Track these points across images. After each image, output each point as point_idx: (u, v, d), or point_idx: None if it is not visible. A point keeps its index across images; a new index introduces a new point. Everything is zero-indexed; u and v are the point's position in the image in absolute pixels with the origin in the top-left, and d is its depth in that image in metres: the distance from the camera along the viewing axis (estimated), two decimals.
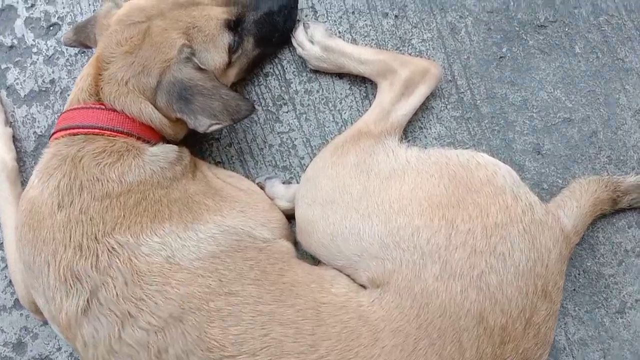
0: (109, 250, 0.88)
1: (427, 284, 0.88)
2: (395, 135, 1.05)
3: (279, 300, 0.89)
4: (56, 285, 0.89)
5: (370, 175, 0.97)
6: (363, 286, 0.97)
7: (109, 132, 0.97)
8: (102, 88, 0.99)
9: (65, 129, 0.99)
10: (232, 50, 1.03)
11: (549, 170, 1.21)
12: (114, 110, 0.98)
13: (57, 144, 0.98)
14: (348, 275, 0.98)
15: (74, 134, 0.97)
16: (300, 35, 1.15)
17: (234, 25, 1.03)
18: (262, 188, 1.16)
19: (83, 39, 1.10)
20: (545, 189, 1.21)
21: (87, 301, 0.87)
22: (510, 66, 1.22)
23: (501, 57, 1.22)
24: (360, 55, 1.12)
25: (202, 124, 0.96)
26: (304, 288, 0.92)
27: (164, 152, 1.01)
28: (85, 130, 0.97)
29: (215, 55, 1.01)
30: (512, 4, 1.23)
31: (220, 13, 1.02)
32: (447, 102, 1.21)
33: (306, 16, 1.22)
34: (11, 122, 1.28)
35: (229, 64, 1.04)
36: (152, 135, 1.02)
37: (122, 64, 0.97)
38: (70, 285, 0.88)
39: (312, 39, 1.14)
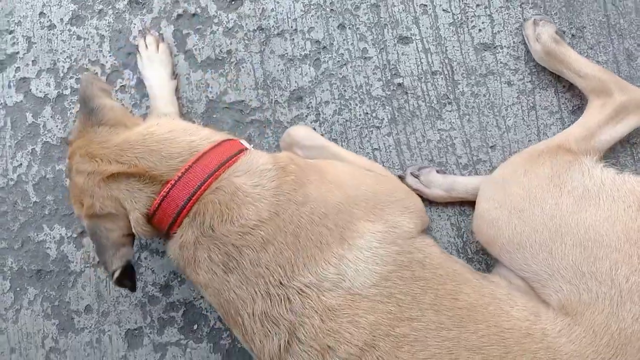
0: (299, 293, 0.90)
1: (626, 324, 0.86)
2: (593, 157, 1.04)
3: (460, 326, 0.89)
4: (254, 331, 0.93)
5: (563, 191, 0.97)
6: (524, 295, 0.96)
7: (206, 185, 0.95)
8: None
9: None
10: None
11: None
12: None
13: (175, 236, 0.97)
14: (524, 282, 0.98)
15: (180, 223, 0.96)
16: (528, 29, 1.19)
17: None
18: (416, 177, 1.20)
19: None
20: None
21: (287, 341, 0.91)
22: None
23: None
24: (580, 68, 1.14)
25: None
26: (482, 312, 0.91)
27: (257, 167, 0.98)
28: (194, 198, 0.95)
29: None
30: None
31: None
32: None
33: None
34: (177, 75, 1.38)
35: None
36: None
37: None
38: (268, 330, 0.91)
39: (538, 38, 1.18)
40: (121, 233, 0.97)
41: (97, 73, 1.44)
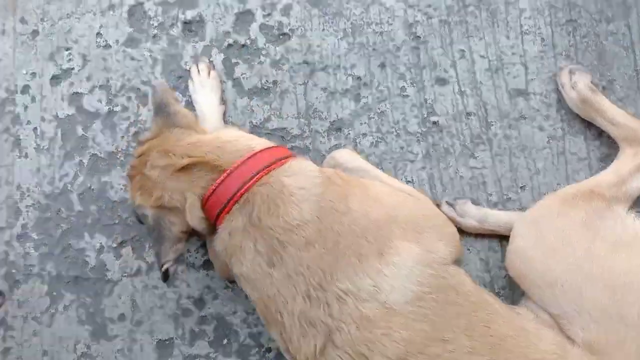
0: (337, 299, 0.95)
1: None
2: (625, 203, 1.10)
3: (492, 353, 0.93)
4: (292, 329, 0.98)
5: (596, 237, 1.02)
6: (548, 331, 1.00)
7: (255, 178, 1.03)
8: None
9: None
10: None
11: None
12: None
13: (225, 221, 1.04)
14: (550, 317, 1.02)
15: (230, 209, 1.03)
16: (564, 78, 1.27)
17: None
18: (451, 206, 1.27)
19: None
20: None
21: (323, 344, 0.96)
22: None
23: None
24: (614, 117, 1.20)
25: None
26: (512, 342, 0.95)
27: (305, 172, 1.06)
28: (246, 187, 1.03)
29: None
30: None
31: None
32: None
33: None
34: (225, 100, 1.46)
35: None
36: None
37: None
38: (306, 330, 0.97)
39: (574, 86, 1.25)
40: (181, 228, 1.06)
41: (148, 94, 1.52)
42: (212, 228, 1.08)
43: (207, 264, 1.38)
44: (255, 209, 1.01)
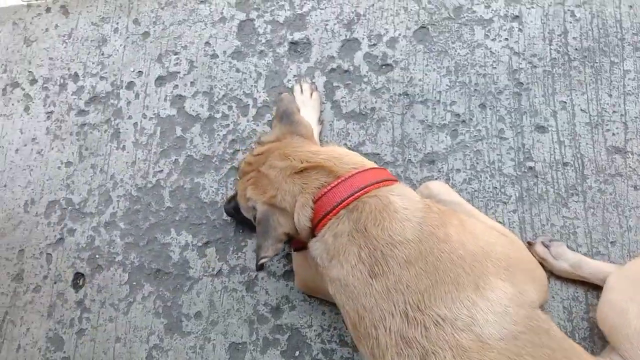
0: (435, 323, 0.96)
1: None
2: None
3: None
4: (387, 346, 0.99)
5: None
6: None
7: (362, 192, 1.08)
8: None
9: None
10: None
11: None
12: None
13: (330, 224, 1.08)
14: None
15: (336, 213, 1.08)
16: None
17: None
18: (546, 247, 1.28)
19: None
20: None
21: None
22: None
23: None
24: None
25: None
26: None
27: (409, 195, 1.10)
28: (356, 195, 1.08)
29: None
30: None
31: None
32: None
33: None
34: (322, 120, 1.51)
35: None
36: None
37: None
38: (402, 349, 0.98)
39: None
40: (285, 230, 1.11)
41: (249, 105, 1.59)
42: (311, 233, 1.12)
43: (288, 275, 1.41)
44: (363, 217, 1.05)
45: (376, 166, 1.16)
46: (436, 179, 1.43)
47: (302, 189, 1.11)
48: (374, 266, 1.01)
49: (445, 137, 1.45)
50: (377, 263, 1.01)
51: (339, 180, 1.09)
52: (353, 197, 1.07)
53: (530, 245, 1.29)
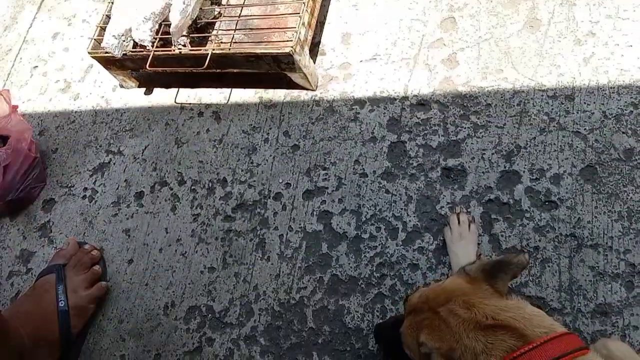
0: None
1: None
2: None
3: None
4: None
5: None
6: None
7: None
8: None
9: None
10: None
11: None
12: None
13: None
14: None
15: None
16: None
17: None
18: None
19: None
20: None
21: None
22: None
23: None
24: None
25: None
26: None
27: None
28: None
29: None
30: None
31: None
32: None
33: None
34: (480, 254, 1.44)
35: None
36: None
37: None
38: None
39: None
40: None
41: (398, 228, 1.56)
42: None
43: None
44: None
45: (566, 331, 1.07)
46: (609, 334, 1.31)
47: (486, 348, 1.04)
48: None
49: (619, 288, 1.34)
50: None
51: (531, 346, 1.01)
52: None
53: None
